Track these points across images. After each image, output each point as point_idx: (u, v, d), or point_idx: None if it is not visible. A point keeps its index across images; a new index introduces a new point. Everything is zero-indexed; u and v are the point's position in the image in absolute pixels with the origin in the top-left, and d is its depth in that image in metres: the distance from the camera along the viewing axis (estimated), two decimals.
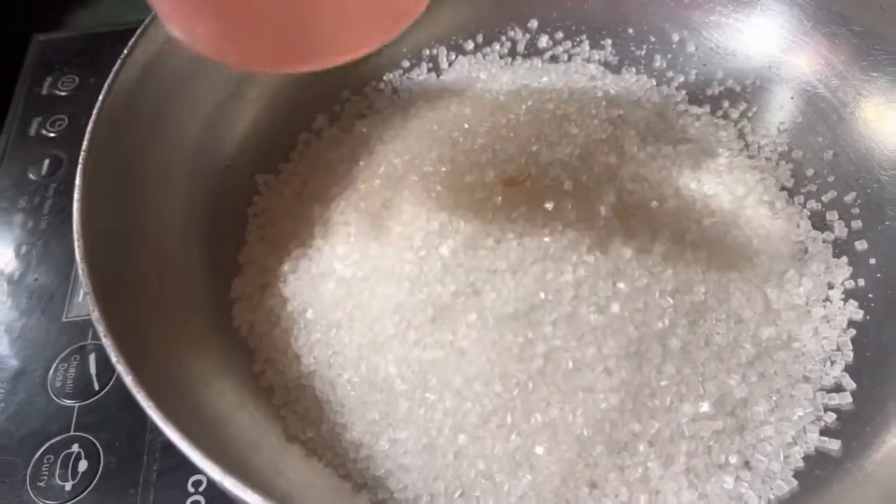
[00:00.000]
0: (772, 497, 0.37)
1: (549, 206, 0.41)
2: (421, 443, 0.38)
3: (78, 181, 0.37)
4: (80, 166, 0.38)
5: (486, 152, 0.43)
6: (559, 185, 0.42)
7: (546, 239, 0.40)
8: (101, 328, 0.32)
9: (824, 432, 0.38)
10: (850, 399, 0.39)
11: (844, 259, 0.43)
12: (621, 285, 0.39)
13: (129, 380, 0.31)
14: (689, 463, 0.37)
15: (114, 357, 0.31)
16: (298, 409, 0.40)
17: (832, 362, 0.40)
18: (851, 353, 0.40)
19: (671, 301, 0.39)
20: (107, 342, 0.32)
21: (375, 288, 0.41)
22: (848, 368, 0.40)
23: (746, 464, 0.37)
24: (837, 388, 0.39)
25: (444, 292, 0.39)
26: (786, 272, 0.43)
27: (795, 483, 0.37)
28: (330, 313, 0.42)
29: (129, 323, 0.35)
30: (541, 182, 0.42)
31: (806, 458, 0.37)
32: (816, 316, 0.42)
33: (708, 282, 0.41)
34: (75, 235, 0.35)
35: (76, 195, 0.37)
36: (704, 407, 0.37)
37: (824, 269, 0.43)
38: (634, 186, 0.44)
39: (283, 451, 0.38)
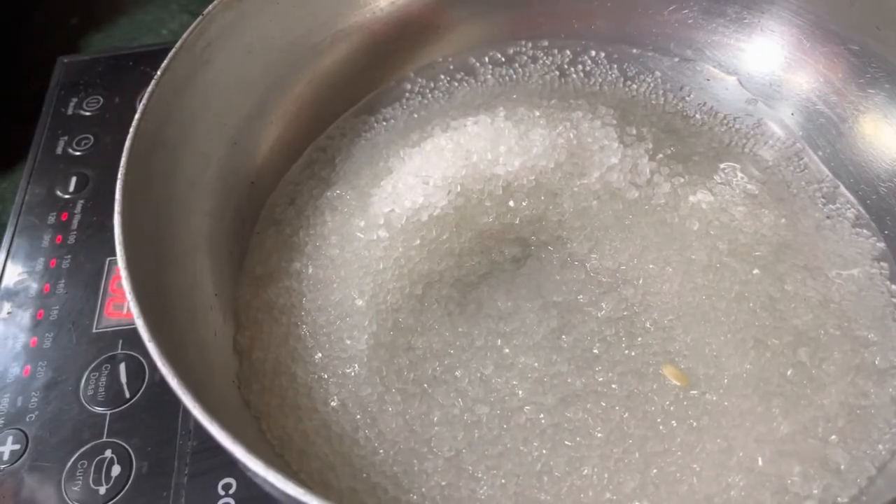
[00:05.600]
0: None
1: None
2: None
3: (118, 196, 0.38)
4: (119, 183, 0.39)
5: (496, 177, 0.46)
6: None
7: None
8: (145, 334, 0.34)
9: None
10: None
11: None
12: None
13: (174, 382, 0.32)
14: None
15: (159, 361, 0.33)
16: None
17: None
18: None
19: None
20: (151, 346, 0.33)
21: None
22: None
23: None
24: None
25: None
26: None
27: None
28: None
29: (166, 329, 0.36)
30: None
31: None
32: None
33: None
34: (118, 248, 0.37)
35: (116, 208, 0.38)
36: None
37: None
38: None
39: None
